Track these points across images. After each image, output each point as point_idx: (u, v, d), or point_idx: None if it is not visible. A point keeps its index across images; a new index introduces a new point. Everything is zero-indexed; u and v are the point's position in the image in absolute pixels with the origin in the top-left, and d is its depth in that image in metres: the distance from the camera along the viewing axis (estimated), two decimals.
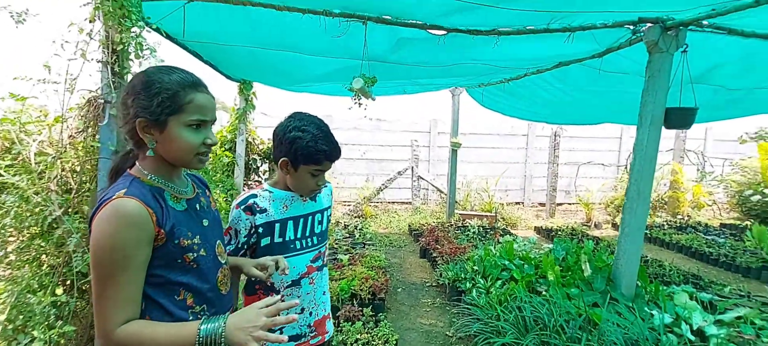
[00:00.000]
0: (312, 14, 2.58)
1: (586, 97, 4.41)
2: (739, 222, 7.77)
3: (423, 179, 7.83)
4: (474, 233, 6.19)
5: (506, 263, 3.71)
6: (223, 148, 6.36)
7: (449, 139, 6.64)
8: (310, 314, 1.49)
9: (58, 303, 2.03)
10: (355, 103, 2.58)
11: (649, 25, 2.81)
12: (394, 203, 8.87)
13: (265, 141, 7.14)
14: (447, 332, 3.27)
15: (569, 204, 10.64)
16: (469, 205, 7.74)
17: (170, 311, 0.99)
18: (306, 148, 1.32)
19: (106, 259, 0.89)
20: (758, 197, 8.14)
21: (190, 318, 1.02)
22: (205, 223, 1.12)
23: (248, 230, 1.39)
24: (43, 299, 2.00)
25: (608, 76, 3.74)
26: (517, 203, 10.33)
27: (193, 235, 1.04)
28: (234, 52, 3.55)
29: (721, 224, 7.86)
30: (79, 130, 2.35)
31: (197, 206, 1.12)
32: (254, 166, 6.89)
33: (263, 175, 7.17)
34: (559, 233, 6.62)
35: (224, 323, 0.94)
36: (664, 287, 3.37)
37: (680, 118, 2.90)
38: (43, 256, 2.18)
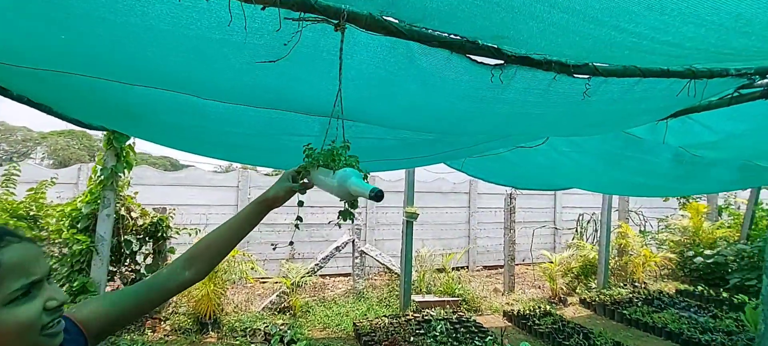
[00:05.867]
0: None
1: (602, 165, 3.38)
2: (691, 288, 7.48)
3: (367, 254, 6.29)
4: (442, 330, 4.76)
5: None
6: (72, 230, 4.18)
7: (403, 210, 5.28)
8: None
9: None
10: (337, 222, 1.09)
11: None
12: (329, 278, 7.11)
13: (149, 212, 5.06)
14: None
15: (518, 264, 9.91)
16: (424, 285, 6.34)
17: None
18: None
19: None
20: (700, 259, 8.06)
21: None
22: None
23: None
24: None
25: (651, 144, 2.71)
26: (463, 268, 9.31)
27: None
28: (93, 87, 1.78)
29: (676, 290, 7.50)
30: None
31: None
32: (129, 251, 4.75)
33: (145, 262, 5.01)
34: (531, 318, 5.52)
35: None
36: None
37: None
38: None
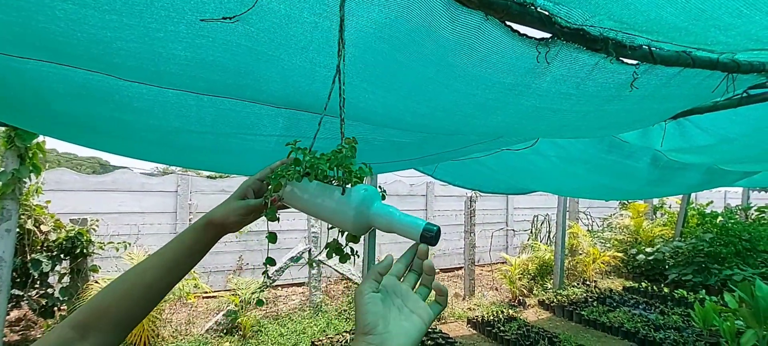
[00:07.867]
0: None
1: (584, 169, 3.23)
2: (636, 285, 7.84)
3: (325, 264, 5.84)
4: None
5: None
6: None
7: None
8: None
9: None
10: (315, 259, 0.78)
11: None
12: (281, 288, 6.54)
13: (65, 224, 4.25)
14: None
15: (476, 265, 9.92)
16: None
17: None
18: None
19: None
20: (642, 256, 8.52)
21: None
22: None
23: None
24: None
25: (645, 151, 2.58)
26: None
27: None
28: None
29: (624, 287, 7.82)
30: None
31: None
32: (39, 273, 3.94)
33: (59, 284, 4.18)
34: (496, 324, 5.40)
35: None
36: None
37: None
38: None
